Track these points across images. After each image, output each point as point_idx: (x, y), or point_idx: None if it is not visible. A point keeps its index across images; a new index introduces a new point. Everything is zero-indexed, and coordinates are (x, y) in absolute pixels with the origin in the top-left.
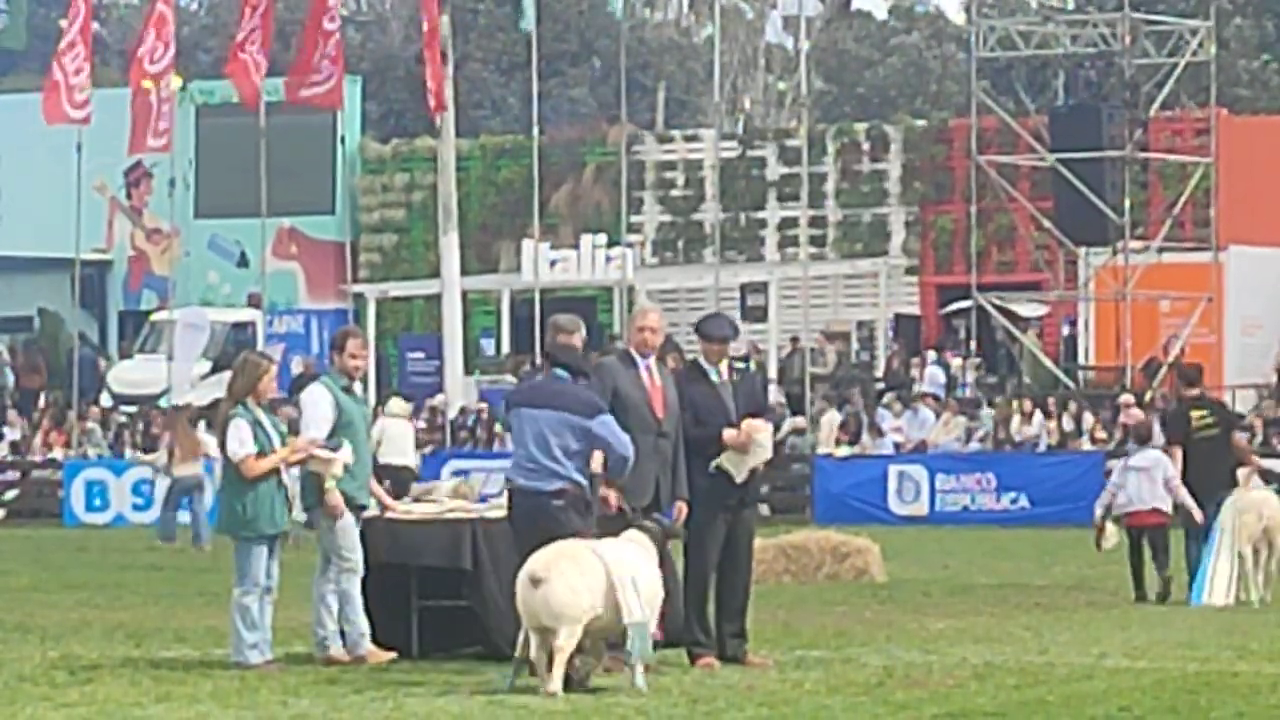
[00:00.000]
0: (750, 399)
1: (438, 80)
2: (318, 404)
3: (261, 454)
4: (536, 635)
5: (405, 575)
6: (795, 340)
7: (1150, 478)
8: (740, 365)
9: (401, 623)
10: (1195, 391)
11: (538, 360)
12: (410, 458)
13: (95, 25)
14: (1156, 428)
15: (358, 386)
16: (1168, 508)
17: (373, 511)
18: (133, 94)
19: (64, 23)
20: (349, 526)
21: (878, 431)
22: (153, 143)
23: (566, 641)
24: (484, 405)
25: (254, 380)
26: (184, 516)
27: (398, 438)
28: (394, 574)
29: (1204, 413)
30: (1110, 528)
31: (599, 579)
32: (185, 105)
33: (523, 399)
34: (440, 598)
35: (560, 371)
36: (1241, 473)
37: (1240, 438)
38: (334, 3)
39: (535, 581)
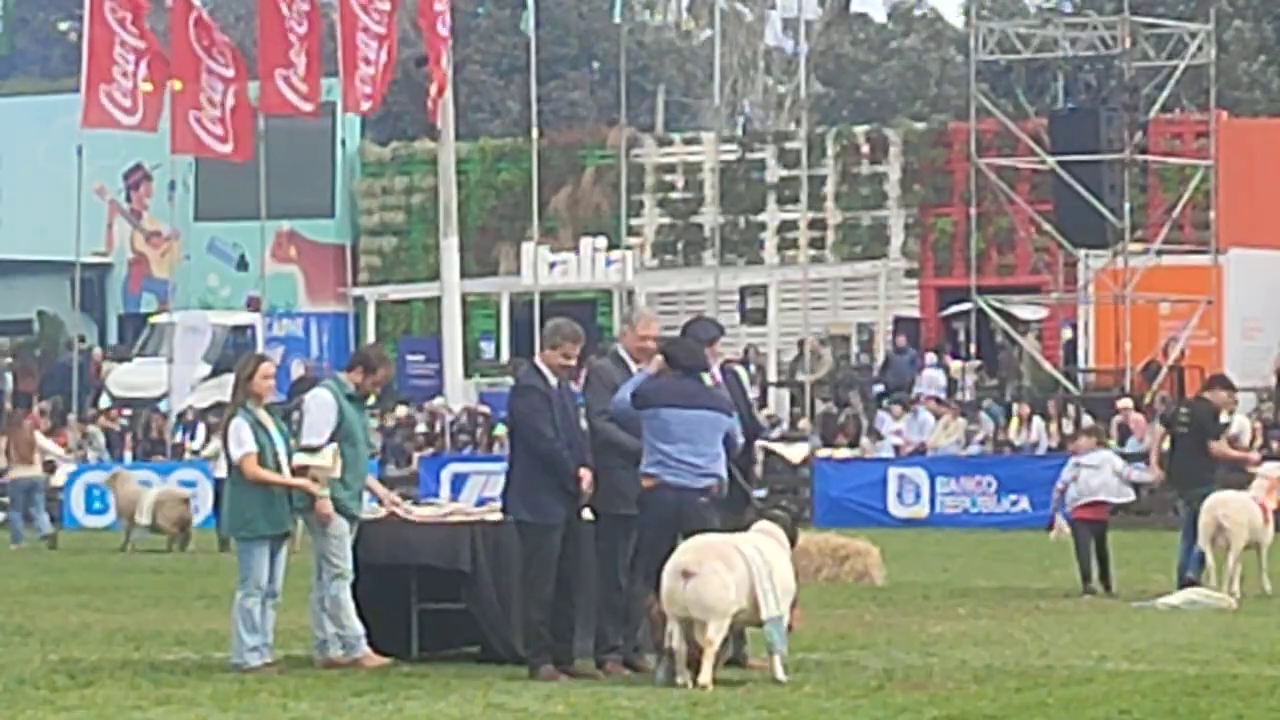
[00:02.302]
0: (740, 400)
1: (441, 84)
2: (322, 409)
3: (262, 456)
4: (681, 627)
5: (405, 577)
6: (803, 344)
7: (1095, 475)
8: (737, 368)
9: (401, 625)
10: (1204, 394)
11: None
12: None
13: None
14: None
15: None
16: (1109, 497)
17: (380, 512)
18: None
19: (87, 26)
20: (341, 533)
21: (876, 435)
22: (220, 148)
23: (716, 635)
24: (485, 408)
25: (248, 376)
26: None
27: None
28: (393, 576)
29: (1187, 411)
30: (1060, 522)
31: (743, 574)
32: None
33: (666, 399)
34: (439, 600)
35: (679, 372)
36: (1256, 471)
37: (1217, 446)
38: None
39: (685, 575)
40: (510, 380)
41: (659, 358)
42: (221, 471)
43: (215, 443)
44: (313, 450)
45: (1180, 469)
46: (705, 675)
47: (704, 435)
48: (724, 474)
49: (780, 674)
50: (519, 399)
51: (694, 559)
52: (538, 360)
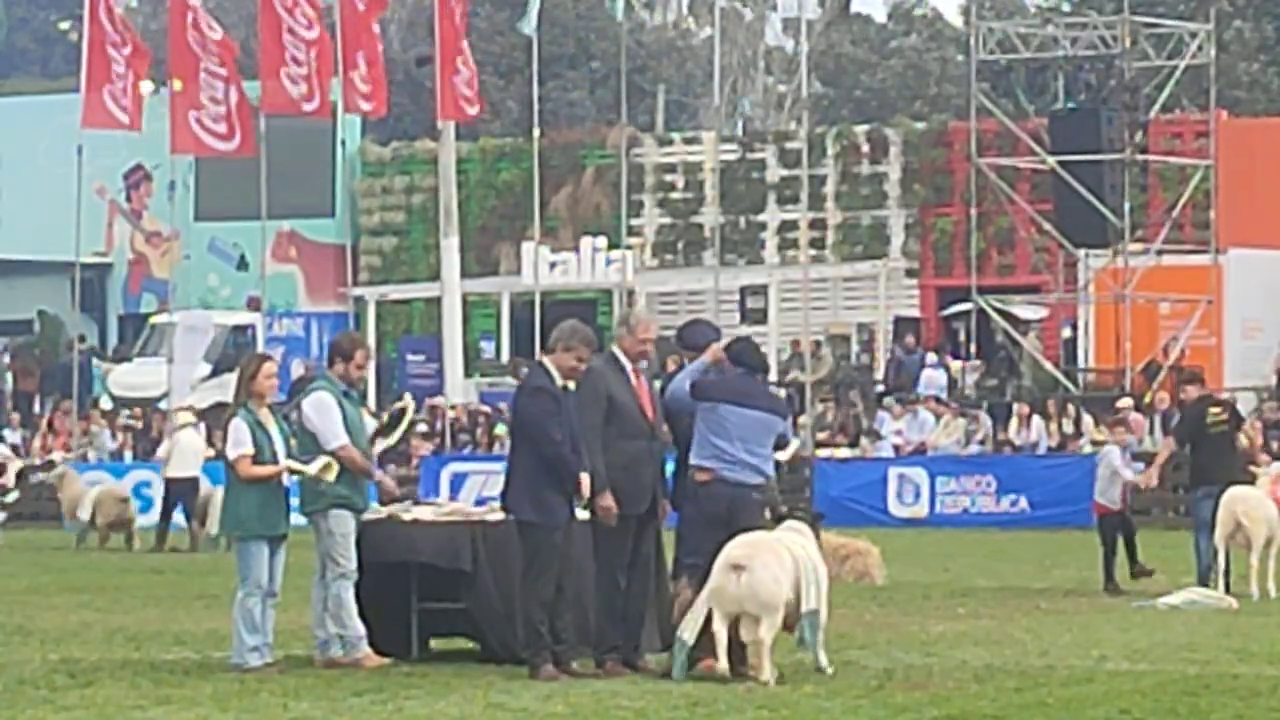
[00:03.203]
0: None
1: (447, 84)
2: (328, 412)
3: (260, 456)
4: (726, 620)
5: (405, 577)
6: (795, 344)
7: (1098, 474)
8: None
9: (401, 625)
10: (1207, 391)
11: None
12: (195, 470)
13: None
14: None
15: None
16: (1104, 500)
17: (382, 512)
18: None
19: (86, 26)
20: (347, 531)
21: (876, 434)
22: (224, 145)
23: (768, 633)
24: (486, 408)
25: (250, 375)
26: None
27: (188, 450)
28: (394, 576)
29: (1219, 410)
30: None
31: (790, 568)
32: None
33: (725, 395)
34: (439, 600)
35: (742, 370)
36: (1260, 471)
37: (1247, 433)
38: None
39: (737, 569)
40: (511, 380)
41: (716, 347)
42: (170, 472)
43: (166, 444)
44: (301, 459)
45: (1213, 466)
46: (765, 673)
47: (759, 435)
48: (772, 474)
49: (825, 664)
50: (529, 400)
51: (745, 553)
52: (545, 361)
